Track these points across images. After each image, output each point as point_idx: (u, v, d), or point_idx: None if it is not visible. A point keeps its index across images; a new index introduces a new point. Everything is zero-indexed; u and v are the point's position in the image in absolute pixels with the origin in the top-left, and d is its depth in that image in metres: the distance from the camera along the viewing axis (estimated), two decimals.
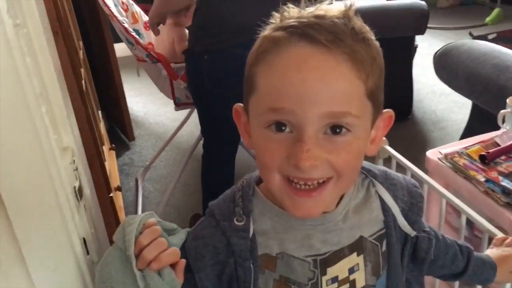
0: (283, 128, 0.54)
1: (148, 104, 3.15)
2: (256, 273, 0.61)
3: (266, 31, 0.58)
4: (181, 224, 2.19)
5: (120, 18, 1.77)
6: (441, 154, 1.35)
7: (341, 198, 0.65)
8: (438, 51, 1.98)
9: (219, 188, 2.11)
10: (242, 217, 0.62)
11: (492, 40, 3.75)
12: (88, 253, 0.60)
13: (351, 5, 0.56)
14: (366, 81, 0.55)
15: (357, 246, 0.65)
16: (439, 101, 2.96)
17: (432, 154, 1.38)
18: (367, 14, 2.27)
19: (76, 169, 0.57)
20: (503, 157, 1.26)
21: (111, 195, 1.92)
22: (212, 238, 0.62)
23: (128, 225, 0.55)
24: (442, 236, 0.79)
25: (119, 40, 2.23)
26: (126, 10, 1.95)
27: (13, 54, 0.44)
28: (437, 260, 0.77)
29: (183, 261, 0.59)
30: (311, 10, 0.56)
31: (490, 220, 1.22)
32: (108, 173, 2.04)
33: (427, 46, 3.65)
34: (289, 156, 0.54)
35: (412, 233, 0.70)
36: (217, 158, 1.78)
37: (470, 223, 1.22)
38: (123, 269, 0.55)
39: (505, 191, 1.16)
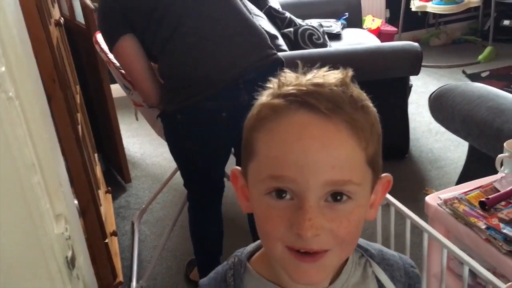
0: (284, 195, 0.53)
1: (145, 144, 3.15)
2: None
3: (264, 97, 0.58)
4: (177, 269, 2.15)
5: (117, 64, 1.78)
6: (441, 199, 1.34)
7: (338, 274, 0.63)
8: (432, 93, 2.00)
9: (208, 240, 2.09)
10: None
11: (485, 78, 3.80)
12: None
13: (347, 73, 0.57)
14: (366, 149, 0.54)
15: None
16: (436, 140, 2.96)
17: (431, 199, 1.37)
18: (362, 57, 2.31)
19: (69, 237, 0.55)
20: (503, 203, 1.25)
21: (106, 241, 1.90)
22: None
23: None
24: None
25: (115, 81, 2.25)
26: None
27: (4, 128, 0.44)
28: None
29: None
30: (308, 77, 0.56)
31: (493, 268, 1.20)
32: (103, 217, 2.03)
33: (422, 84, 3.69)
34: (291, 225, 0.53)
35: None
36: (203, 211, 1.78)
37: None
38: None
39: (507, 238, 1.14)
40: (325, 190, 0.53)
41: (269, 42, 1.55)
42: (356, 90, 0.56)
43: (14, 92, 0.45)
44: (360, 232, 0.58)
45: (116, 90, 2.56)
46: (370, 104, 0.57)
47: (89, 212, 1.84)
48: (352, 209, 0.54)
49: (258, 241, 0.66)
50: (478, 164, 1.91)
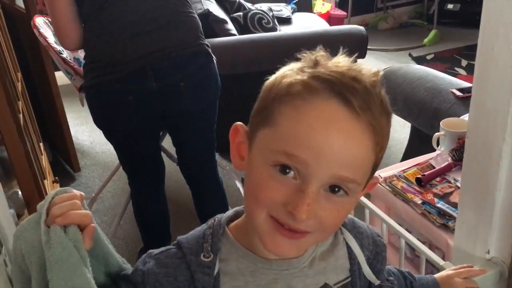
0: (288, 171, 0.54)
1: (95, 132, 3.07)
2: None
3: (295, 70, 0.57)
4: (129, 257, 2.14)
5: (57, 48, 1.73)
6: (381, 177, 1.39)
7: None
8: None
9: (152, 223, 2.11)
10: (209, 253, 0.61)
11: (430, 61, 3.93)
12: None
13: (378, 73, 0.58)
14: (378, 154, 0.56)
15: None
16: None
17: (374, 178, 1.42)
18: (309, 41, 2.34)
19: None
20: (438, 179, 1.31)
21: None
22: (175, 270, 0.61)
23: (52, 193, 0.55)
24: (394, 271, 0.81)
25: (60, 68, 2.17)
26: None
27: None
28: None
29: (93, 226, 0.59)
30: (345, 67, 0.56)
31: (429, 241, 1.26)
32: None
33: (370, 66, 3.77)
34: (287, 203, 0.54)
35: (376, 281, 0.71)
36: (142, 193, 1.78)
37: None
38: (34, 231, 0.54)
39: (440, 212, 1.21)
40: (330, 181, 0.54)
41: (197, 34, 1.55)
42: (385, 96, 0.57)
43: None
44: (341, 223, 0.61)
45: (62, 77, 2.49)
46: (391, 112, 0.58)
47: (34, 203, 1.79)
48: (344, 203, 0.56)
49: (236, 208, 0.68)
50: (420, 143, 1.99)
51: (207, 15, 2.62)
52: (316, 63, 0.57)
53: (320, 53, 0.58)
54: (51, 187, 2.26)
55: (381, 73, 0.58)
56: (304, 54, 0.59)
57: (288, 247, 0.57)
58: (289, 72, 0.58)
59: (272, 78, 0.60)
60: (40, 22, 1.79)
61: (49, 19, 1.84)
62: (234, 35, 2.66)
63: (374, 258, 0.71)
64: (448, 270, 0.89)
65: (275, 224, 0.56)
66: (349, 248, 0.69)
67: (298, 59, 0.59)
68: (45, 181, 2.11)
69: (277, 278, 0.63)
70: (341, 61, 0.57)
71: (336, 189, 0.55)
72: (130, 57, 1.46)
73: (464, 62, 3.82)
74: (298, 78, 0.56)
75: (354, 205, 0.60)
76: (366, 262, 0.69)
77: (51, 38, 1.75)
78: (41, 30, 1.74)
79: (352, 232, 0.70)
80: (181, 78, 1.50)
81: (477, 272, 0.89)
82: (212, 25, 2.66)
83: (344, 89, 0.53)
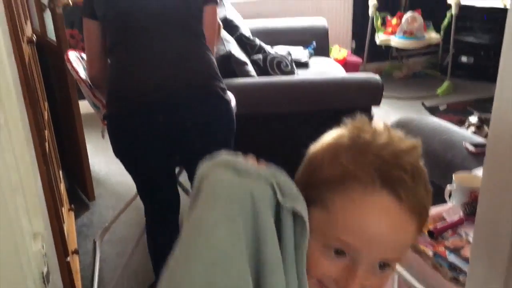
0: (342, 254, 0.59)
1: (111, 163, 3.13)
2: None
3: (345, 152, 0.60)
4: None
5: (88, 82, 1.81)
6: None
7: None
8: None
9: (163, 254, 2.15)
10: None
11: (443, 111, 3.99)
12: None
13: (418, 147, 0.63)
14: (420, 232, 0.63)
15: None
16: None
17: None
18: (327, 87, 2.39)
19: (45, 254, 0.59)
20: (449, 232, 1.34)
21: (68, 259, 1.90)
22: None
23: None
24: None
25: (84, 97, 2.25)
26: None
27: None
28: None
29: None
30: (385, 141, 0.60)
31: None
32: (66, 235, 2.02)
33: (383, 114, 3.83)
34: (338, 280, 0.59)
35: None
36: (154, 223, 1.82)
37: None
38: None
39: (451, 266, 1.23)
40: (379, 262, 0.60)
41: (211, 74, 1.61)
42: (425, 170, 0.63)
43: (3, 119, 0.49)
44: None
45: (83, 106, 2.57)
46: (431, 187, 0.63)
47: (51, 229, 1.84)
48: (388, 275, 0.63)
49: None
50: (434, 195, 2.02)
51: (229, 57, 2.72)
52: (356, 137, 0.61)
53: (360, 121, 0.63)
54: (67, 215, 2.30)
55: (419, 144, 0.63)
56: (346, 121, 0.64)
57: None
58: (337, 149, 0.61)
59: (318, 149, 0.64)
60: (73, 57, 1.88)
61: (81, 54, 1.94)
62: (254, 76, 2.75)
63: None
64: None
65: None
66: None
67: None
68: (62, 209, 2.16)
69: None
70: (382, 133, 0.61)
71: (382, 263, 0.61)
72: (140, 92, 1.54)
73: (476, 115, 3.88)
74: (349, 168, 0.59)
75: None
76: None
77: (82, 73, 1.84)
78: (74, 64, 1.83)
79: None
80: (188, 117, 1.56)
81: None
82: (233, 66, 2.76)
83: (393, 181, 0.58)
